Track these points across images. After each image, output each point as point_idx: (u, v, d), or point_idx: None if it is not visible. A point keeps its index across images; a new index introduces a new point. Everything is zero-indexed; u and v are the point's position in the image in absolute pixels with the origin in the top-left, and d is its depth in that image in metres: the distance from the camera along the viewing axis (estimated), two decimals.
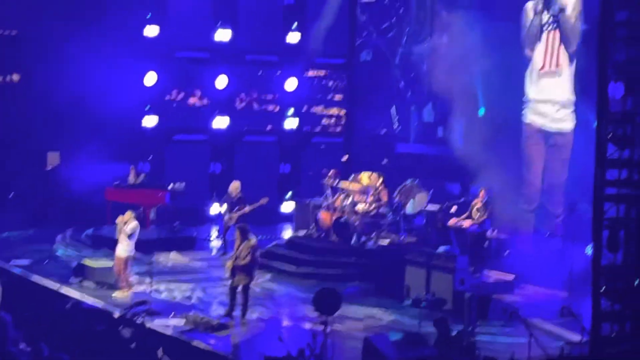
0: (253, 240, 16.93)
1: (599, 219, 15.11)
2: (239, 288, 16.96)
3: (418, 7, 27.73)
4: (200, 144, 27.68)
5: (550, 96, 23.35)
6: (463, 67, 24.62)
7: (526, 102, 23.97)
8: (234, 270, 16.78)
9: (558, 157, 23.05)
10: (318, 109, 29.02)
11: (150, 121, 26.95)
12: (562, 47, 23.06)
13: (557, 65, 23.14)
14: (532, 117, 23.85)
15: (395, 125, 28.02)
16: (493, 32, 23.87)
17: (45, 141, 25.88)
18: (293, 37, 28.22)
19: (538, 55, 23.54)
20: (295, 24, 28.17)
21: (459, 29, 25.33)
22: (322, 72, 28.94)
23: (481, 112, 24.54)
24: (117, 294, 18.38)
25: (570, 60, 22.91)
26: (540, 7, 23.39)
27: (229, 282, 17.11)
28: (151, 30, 26.55)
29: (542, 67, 23.47)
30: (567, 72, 22.98)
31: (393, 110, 28.07)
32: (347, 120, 29.05)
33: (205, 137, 27.69)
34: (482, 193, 20.68)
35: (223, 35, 27.39)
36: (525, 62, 23.85)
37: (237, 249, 16.81)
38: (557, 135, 23.18)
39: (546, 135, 23.48)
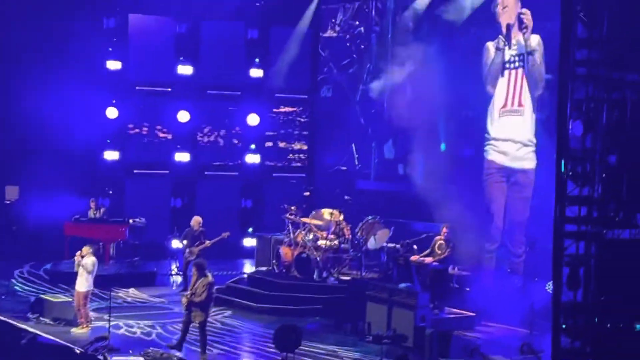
0: (209, 277, 16.76)
1: (559, 256, 15.17)
2: (196, 324, 16.81)
3: (379, 43, 27.71)
4: (162, 178, 27.55)
5: (512, 135, 23.27)
6: (424, 103, 24.60)
7: (488, 139, 23.89)
8: (190, 306, 16.65)
9: (519, 195, 22.92)
10: (280, 144, 29.01)
11: (111, 155, 26.80)
12: (526, 87, 22.99)
13: (520, 104, 23.09)
14: (493, 154, 23.76)
15: (356, 162, 27.84)
16: (454, 68, 23.83)
17: (4, 175, 25.62)
18: (256, 72, 28.25)
19: (500, 93, 23.51)
20: (257, 59, 28.18)
21: (420, 64, 25.42)
22: (285, 108, 28.94)
23: (443, 147, 24.51)
24: (76, 330, 18.15)
25: (533, 101, 22.82)
26: (501, 44, 23.40)
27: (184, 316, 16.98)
28: (114, 64, 26.50)
29: (504, 106, 23.42)
30: (529, 111, 22.91)
31: (353, 147, 27.87)
32: (309, 156, 29.05)
33: (166, 171, 27.56)
34: (444, 230, 20.66)
35: (185, 69, 27.38)
36: (486, 98, 23.88)
37: (194, 286, 16.67)
38: (518, 173, 23.11)
39: (508, 173, 23.40)
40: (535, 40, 22.59)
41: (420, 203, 22.22)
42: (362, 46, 28.53)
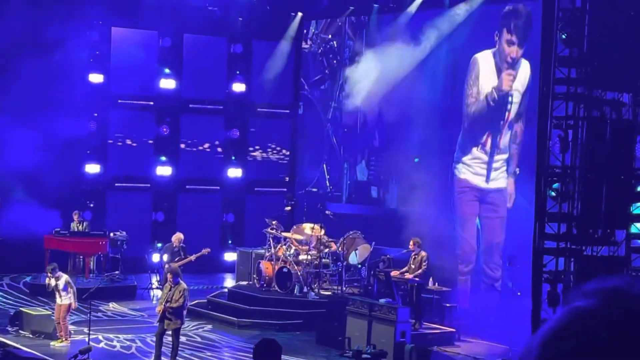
0: (184, 284, 16.93)
1: (539, 272, 15.27)
2: (170, 332, 16.85)
3: (352, 59, 27.33)
4: (143, 192, 27.50)
5: (486, 163, 22.90)
6: (398, 123, 24.30)
7: (459, 158, 23.49)
8: (164, 316, 16.67)
9: (494, 215, 22.53)
10: (262, 158, 28.96)
11: (92, 168, 26.76)
12: (506, 131, 22.47)
13: (497, 147, 22.61)
14: (466, 173, 23.35)
15: (327, 184, 27.26)
16: (431, 85, 23.64)
17: None
18: (238, 87, 28.29)
19: (477, 131, 22.99)
20: (238, 72, 28.17)
21: (394, 81, 25.15)
22: (267, 122, 28.89)
23: (416, 159, 24.13)
24: (55, 344, 18.09)
25: (510, 140, 22.42)
26: (495, 96, 22.64)
27: (157, 328, 16.98)
28: (96, 77, 26.50)
29: (484, 145, 22.92)
30: (505, 151, 22.56)
31: (324, 168, 27.34)
32: (290, 171, 29.01)
33: (147, 184, 27.53)
34: (411, 243, 20.50)
35: (167, 83, 27.41)
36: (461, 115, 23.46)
37: (168, 292, 16.70)
38: (492, 192, 22.70)
39: (481, 193, 22.98)
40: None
41: (395, 227, 21.87)
42: (335, 61, 28.24)
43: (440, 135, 23.55)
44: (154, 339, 17.46)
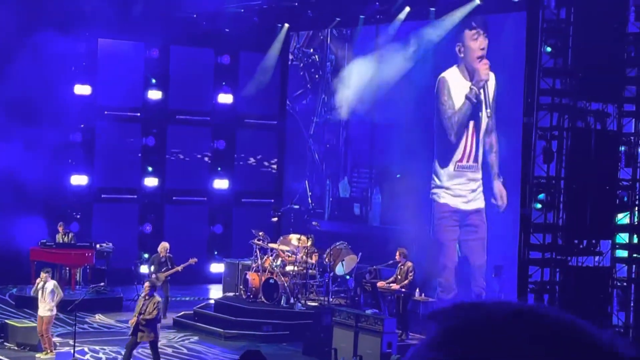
0: (157, 296, 17.10)
1: (524, 282, 15.31)
2: (143, 345, 16.89)
3: (334, 73, 27.05)
4: (129, 203, 27.44)
5: (466, 185, 22.77)
6: (381, 139, 24.05)
7: (438, 184, 23.27)
8: (137, 327, 16.68)
9: (475, 236, 22.31)
10: (249, 170, 28.90)
11: (78, 179, 26.69)
12: (480, 138, 22.38)
13: (475, 160, 22.57)
14: (446, 197, 23.05)
15: (309, 201, 26.75)
16: (412, 101, 23.36)
17: None
18: (225, 98, 28.27)
19: (458, 144, 22.82)
20: (224, 83, 28.15)
21: (378, 96, 24.79)
22: (253, 133, 28.83)
23: (398, 175, 23.82)
24: (40, 356, 18.03)
25: (485, 151, 22.29)
26: (473, 96, 22.47)
27: (129, 339, 17.00)
28: (82, 89, 26.45)
29: (461, 160, 22.83)
30: (483, 165, 22.47)
31: (306, 184, 26.90)
32: (277, 182, 28.92)
33: (134, 196, 27.48)
34: (397, 254, 20.48)
35: (154, 94, 27.39)
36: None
37: (142, 305, 16.72)
38: (472, 214, 22.52)
39: (461, 216, 22.76)
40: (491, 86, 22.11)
41: (378, 245, 21.60)
42: (317, 76, 28.01)
43: (423, 151, 23.36)
44: (141, 350, 17.45)
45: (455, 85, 22.96)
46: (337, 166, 26.98)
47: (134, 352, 17.20)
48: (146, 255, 25.72)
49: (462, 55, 22.71)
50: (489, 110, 22.25)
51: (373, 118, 25.23)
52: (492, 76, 22.18)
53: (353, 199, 26.35)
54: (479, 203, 22.36)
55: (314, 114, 27.70)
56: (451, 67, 22.95)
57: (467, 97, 22.71)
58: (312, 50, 28.17)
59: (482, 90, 22.41)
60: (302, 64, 28.29)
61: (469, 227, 22.52)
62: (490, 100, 22.19)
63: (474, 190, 22.45)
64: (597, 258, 16.06)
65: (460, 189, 22.85)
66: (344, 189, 26.62)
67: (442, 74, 23.17)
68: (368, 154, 25.76)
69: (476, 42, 22.35)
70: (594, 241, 16.07)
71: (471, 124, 22.54)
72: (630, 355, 1.47)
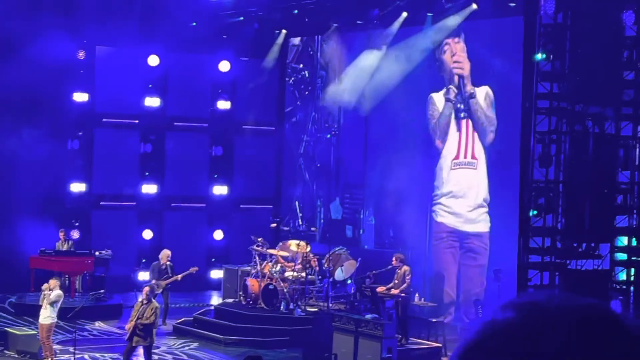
0: (155, 302, 17.18)
1: (524, 286, 15.32)
2: (139, 350, 16.87)
3: (324, 89, 26.68)
4: (128, 210, 27.44)
5: (464, 191, 21.93)
6: (374, 158, 23.49)
7: (436, 198, 22.54)
8: (134, 331, 16.72)
9: (474, 263, 21.52)
10: (248, 176, 28.82)
11: (77, 187, 26.70)
12: (477, 137, 21.78)
13: (473, 156, 21.84)
14: (444, 216, 22.29)
15: (299, 222, 25.89)
16: (407, 116, 22.98)
17: None
18: (223, 104, 28.27)
19: (451, 145, 22.31)
20: (220, 91, 28.12)
21: (370, 113, 24.49)
22: (252, 139, 28.77)
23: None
24: None
25: (486, 154, 21.62)
26: (452, 95, 22.20)
27: (125, 345, 17.05)
28: (80, 96, 26.47)
29: (457, 157, 22.17)
30: (483, 166, 21.67)
31: (297, 205, 25.77)
32: (276, 187, 28.82)
33: (133, 202, 27.47)
34: (394, 259, 20.45)
35: (152, 101, 27.40)
36: (432, 154, 22.69)
37: (139, 310, 16.76)
38: (472, 237, 21.69)
39: (460, 237, 21.95)
40: (482, 90, 21.70)
41: (370, 269, 20.95)
42: (307, 92, 27.71)
43: (420, 169, 22.75)
44: (141, 358, 17.46)
45: (440, 96, 22.72)
46: (328, 186, 26.33)
47: (131, 358, 17.20)
48: (144, 260, 25.75)
49: (442, 57, 22.50)
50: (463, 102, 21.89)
51: (365, 135, 24.70)
52: (467, 68, 21.91)
53: (345, 220, 25.68)
54: (482, 226, 21.42)
55: (304, 132, 27.20)
56: (439, 93, 22.64)
57: (446, 99, 22.41)
58: (301, 65, 27.83)
59: (458, 86, 22.13)
60: (291, 80, 27.92)
61: (468, 253, 21.70)
62: (468, 90, 21.85)
63: (479, 206, 21.39)
64: (596, 261, 16.09)
65: (458, 203, 21.92)
66: (336, 210, 25.98)
67: (432, 94, 22.82)
68: (361, 173, 25.05)
69: (452, 56, 22.18)
70: (593, 244, 16.11)
71: (463, 122, 22.07)
72: None
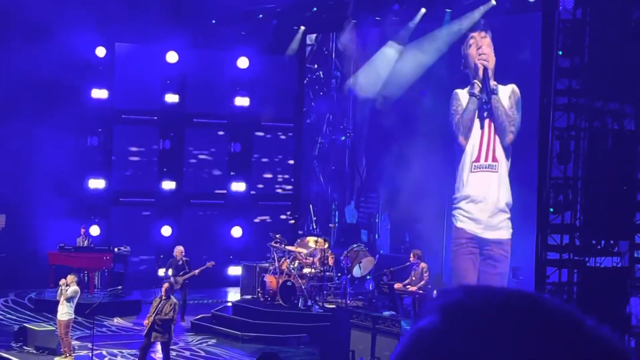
0: (174, 298, 17.29)
1: (542, 283, 15.24)
2: (156, 346, 16.91)
3: (339, 90, 26.49)
4: (147, 206, 27.51)
5: (485, 196, 21.34)
6: (389, 160, 23.04)
7: (456, 202, 22.03)
8: (153, 327, 16.77)
9: (494, 271, 21.01)
10: (267, 173, 28.87)
11: (96, 183, 26.80)
12: (498, 139, 21.24)
13: (494, 159, 21.34)
14: (464, 221, 21.80)
15: (314, 226, 25.23)
16: (423, 117, 22.64)
17: None
18: (241, 100, 28.28)
19: (473, 145, 21.79)
20: (238, 88, 28.12)
21: (384, 114, 24.20)
22: (270, 135, 28.78)
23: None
24: (59, 359, 18.09)
25: (506, 155, 21.13)
26: (476, 90, 21.70)
27: (143, 341, 17.13)
28: (99, 93, 26.57)
29: (477, 159, 21.67)
30: (504, 168, 21.16)
31: (311, 208, 25.29)
32: (295, 184, 28.81)
33: (152, 199, 27.54)
34: (412, 255, 20.37)
35: (171, 98, 27.45)
36: (453, 154, 22.13)
37: (158, 306, 16.82)
38: (492, 244, 21.15)
39: (480, 244, 21.40)
40: (508, 88, 21.27)
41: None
42: (321, 93, 27.62)
43: (440, 169, 22.25)
44: (160, 354, 17.52)
45: (464, 92, 22.28)
46: (343, 189, 26.03)
47: (149, 354, 17.25)
48: (161, 256, 25.82)
49: (467, 51, 22.17)
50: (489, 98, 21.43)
51: (381, 136, 24.19)
52: (492, 61, 21.56)
53: (360, 224, 25.25)
54: (503, 233, 20.89)
55: (318, 133, 26.96)
56: (464, 90, 22.20)
57: (470, 94, 21.98)
58: (316, 66, 27.71)
59: (482, 80, 21.67)
60: (306, 81, 27.72)
61: (488, 260, 21.21)
62: (491, 85, 21.44)
63: (500, 211, 20.87)
64: (615, 259, 15.98)
65: (478, 208, 21.42)
66: (351, 214, 25.62)
67: (457, 90, 22.36)
68: (376, 176, 24.57)
69: (478, 49, 21.85)
70: (612, 242, 16.00)
71: (486, 122, 21.66)
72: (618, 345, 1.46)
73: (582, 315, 1.47)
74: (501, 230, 21.02)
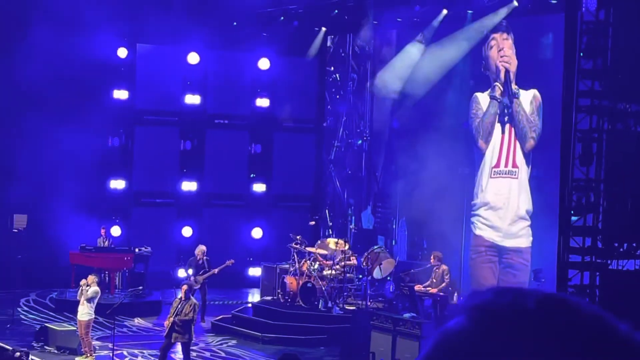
0: (194, 299, 17.36)
1: (564, 286, 15.16)
2: (176, 347, 16.94)
3: (357, 93, 26.43)
4: (168, 207, 27.57)
5: (505, 203, 21.00)
6: (408, 165, 22.74)
7: (475, 209, 21.73)
8: (173, 327, 16.82)
9: (513, 280, 20.58)
10: (287, 174, 28.80)
11: (117, 183, 26.89)
12: (519, 144, 20.96)
13: (514, 165, 21.03)
14: (483, 229, 21.48)
15: (329, 232, 25.01)
16: (441, 121, 22.32)
17: (13, 204, 25.64)
18: (262, 102, 28.30)
19: (493, 149, 21.50)
20: (259, 90, 28.12)
21: (403, 117, 24.11)
22: (291, 136, 28.73)
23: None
24: (80, 359, 18.14)
25: (527, 161, 20.82)
26: (497, 93, 21.42)
27: (163, 342, 17.20)
28: (121, 93, 26.67)
29: (497, 165, 21.40)
30: (525, 175, 20.86)
31: (327, 213, 24.86)
32: (314, 185, 28.72)
33: (173, 199, 27.60)
34: (432, 257, 20.29)
35: (192, 99, 27.50)
36: (472, 158, 21.85)
37: (178, 306, 16.87)
38: (512, 252, 20.83)
39: (499, 252, 21.10)
40: (529, 93, 20.97)
41: (404, 281, 20.43)
42: (338, 96, 27.53)
43: (458, 174, 22.00)
44: (180, 355, 17.55)
45: (485, 96, 22.05)
46: (359, 194, 25.74)
47: (169, 354, 17.29)
48: (183, 260, 25.86)
49: (489, 53, 21.95)
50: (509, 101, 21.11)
51: (399, 140, 24.05)
52: (514, 64, 21.34)
53: (377, 230, 24.96)
54: (523, 241, 20.53)
55: (334, 137, 26.72)
56: (485, 93, 21.97)
57: (491, 97, 21.73)
58: (332, 68, 27.68)
59: (503, 83, 21.41)
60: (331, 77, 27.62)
61: (507, 269, 20.86)
62: (513, 89, 21.14)
63: (520, 218, 20.55)
64: (637, 261, 15.87)
65: (497, 215, 21.10)
66: (367, 219, 25.34)
67: (477, 93, 22.14)
68: (393, 180, 24.20)
69: (499, 51, 21.62)
70: (634, 244, 15.89)
71: (507, 126, 21.37)
72: None
73: (615, 319, 1.44)
74: (521, 238, 20.72)
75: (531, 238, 20.50)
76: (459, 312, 1.48)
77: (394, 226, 24.50)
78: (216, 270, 22.06)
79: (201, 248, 22.43)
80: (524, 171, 20.89)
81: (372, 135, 26.03)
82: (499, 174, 21.38)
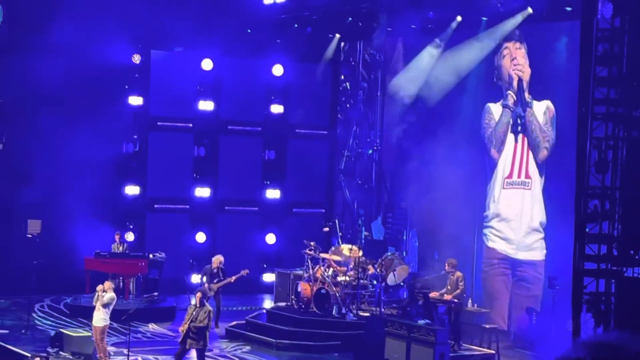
0: (208, 305, 17.36)
1: (579, 293, 15.14)
2: (191, 353, 17.02)
3: (367, 102, 26.26)
4: (182, 213, 27.63)
5: (518, 214, 20.87)
6: (417, 176, 22.72)
7: (487, 220, 21.65)
8: (188, 334, 16.88)
9: (527, 293, 20.54)
10: (300, 180, 28.82)
11: (132, 189, 26.97)
12: (532, 154, 20.85)
13: (527, 175, 20.95)
14: (495, 241, 21.39)
15: (339, 242, 24.13)
16: (453, 131, 22.25)
17: (27, 209, 25.74)
18: (276, 108, 28.36)
19: (505, 159, 21.45)
20: (273, 97, 28.15)
21: (414, 126, 23.91)
22: (304, 143, 28.74)
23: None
24: None
25: (540, 172, 20.72)
26: (510, 102, 21.36)
27: (178, 348, 17.23)
28: (135, 100, 26.77)
29: (510, 175, 21.31)
30: (538, 186, 20.72)
31: (337, 223, 24.73)
32: (328, 192, 28.75)
33: (186, 206, 27.66)
34: (447, 265, 20.28)
35: (206, 105, 27.57)
36: (484, 168, 21.73)
37: (193, 313, 16.92)
38: (525, 265, 20.71)
39: (513, 265, 20.97)
40: (542, 104, 20.88)
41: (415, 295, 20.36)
42: (348, 105, 27.50)
43: (470, 185, 21.85)
44: (173, 359, 17.61)
45: (497, 106, 21.97)
46: (369, 205, 25.70)
47: None
48: (192, 262, 25.90)
49: (501, 62, 21.90)
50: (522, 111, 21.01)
51: (409, 150, 24.00)
52: (527, 72, 21.30)
53: (387, 241, 24.90)
54: (537, 254, 20.40)
55: (344, 147, 26.71)
56: (497, 104, 21.90)
57: (504, 106, 21.67)
58: (342, 77, 27.69)
59: (516, 92, 21.33)
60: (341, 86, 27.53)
61: (521, 282, 20.74)
62: (526, 97, 21.06)
63: (533, 230, 20.42)
64: None
65: (510, 227, 20.96)
66: (378, 230, 25.36)
67: (489, 104, 22.07)
68: (403, 190, 24.18)
69: (512, 60, 21.55)
70: None
71: (520, 136, 21.27)
72: None
73: None
74: (535, 250, 20.60)
75: (545, 251, 20.35)
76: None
77: (405, 237, 24.44)
78: (233, 279, 22.11)
79: (219, 258, 22.46)
80: (537, 182, 20.78)
81: (383, 144, 25.98)
82: (512, 184, 21.31)
